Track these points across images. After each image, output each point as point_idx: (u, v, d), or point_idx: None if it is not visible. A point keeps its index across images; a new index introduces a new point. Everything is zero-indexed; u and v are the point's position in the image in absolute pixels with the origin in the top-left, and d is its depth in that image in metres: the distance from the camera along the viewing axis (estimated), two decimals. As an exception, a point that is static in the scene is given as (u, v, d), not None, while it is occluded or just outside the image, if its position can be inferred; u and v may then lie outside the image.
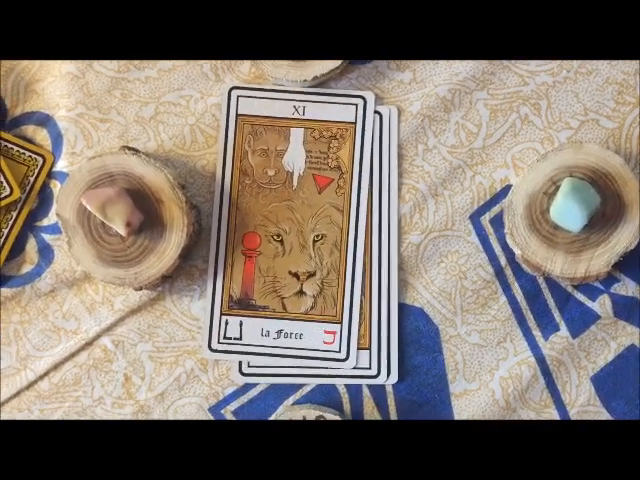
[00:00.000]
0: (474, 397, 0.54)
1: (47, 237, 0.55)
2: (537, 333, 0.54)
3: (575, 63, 0.55)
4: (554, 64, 0.55)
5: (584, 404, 0.54)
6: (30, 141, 0.56)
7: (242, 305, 0.54)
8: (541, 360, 0.54)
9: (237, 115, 0.55)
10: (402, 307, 0.54)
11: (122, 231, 0.50)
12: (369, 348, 0.54)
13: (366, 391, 0.54)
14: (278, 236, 0.55)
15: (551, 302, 0.54)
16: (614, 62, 0.55)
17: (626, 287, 0.54)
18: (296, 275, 0.54)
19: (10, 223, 0.55)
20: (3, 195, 0.54)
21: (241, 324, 0.54)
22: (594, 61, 0.55)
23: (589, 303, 0.54)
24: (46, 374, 0.54)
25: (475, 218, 0.55)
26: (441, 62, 0.55)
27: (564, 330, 0.54)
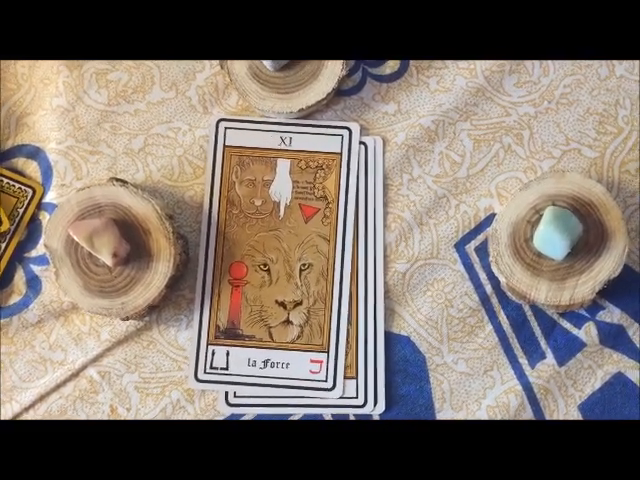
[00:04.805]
0: (462, 426, 0.53)
1: (35, 268, 0.56)
2: (524, 361, 0.54)
3: (557, 93, 0.56)
4: (536, 95, 0.56)
5: (572, 433, 0.53)
6: (20, 173, 0.57)
7: (229, 335, 0.54)
8: (528, 388, 0.53)
9: (224, 146, 0.56)
10: (389, 336, 0.54)
11: (109, 261, 0.50)
12: (356, 377, 0.54)
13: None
14: (265, 265, 0.55)
15: (537, 330, 0.54)
16: (595, 92, 0.56)
17: (611, 315, 0.54)
18: (283, 304, 0.54)
19: (-1, 254, 0.55)
20: (-8, 226, 0.55)
21: (228, 354, 0.54)
22: (575, 92, 0.56)
23: (575, 331, 0.54)
24: (32, 406, 0.54)
25: (460, 246, 0.55)
26: (424, 94, 0.56)
27: (550, 358, 0.54)
